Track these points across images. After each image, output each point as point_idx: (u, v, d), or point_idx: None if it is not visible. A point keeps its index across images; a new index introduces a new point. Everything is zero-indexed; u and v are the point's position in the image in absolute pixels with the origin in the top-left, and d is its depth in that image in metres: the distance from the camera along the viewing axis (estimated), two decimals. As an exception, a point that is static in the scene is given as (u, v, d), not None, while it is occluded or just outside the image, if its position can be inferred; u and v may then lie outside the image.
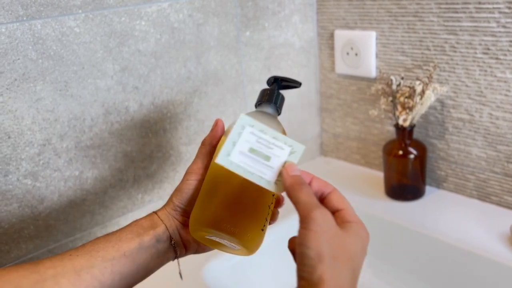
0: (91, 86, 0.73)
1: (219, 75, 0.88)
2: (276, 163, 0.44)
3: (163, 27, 0.79)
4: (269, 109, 0.58)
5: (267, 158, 0.44)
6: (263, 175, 0.44)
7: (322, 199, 0.45)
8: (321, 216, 0.40)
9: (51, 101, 0.69)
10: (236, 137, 0.44)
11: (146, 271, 0.53)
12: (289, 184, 0.43)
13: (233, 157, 0.44)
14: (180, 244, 0.55)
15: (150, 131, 0.81)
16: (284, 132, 0.56)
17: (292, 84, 0.62)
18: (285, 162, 0.44)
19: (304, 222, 0.40)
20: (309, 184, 0.44)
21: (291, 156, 0.44)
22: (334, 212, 0.43)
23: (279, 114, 0.60)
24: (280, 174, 0.44)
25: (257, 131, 0.45)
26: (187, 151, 0.87)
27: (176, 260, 0.56)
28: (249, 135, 0.45)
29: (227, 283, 0.76)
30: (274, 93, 0.59)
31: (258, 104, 0.59)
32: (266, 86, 0.63)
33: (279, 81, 0.61)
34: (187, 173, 0.56)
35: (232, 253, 0.54)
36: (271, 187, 0.44)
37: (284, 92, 0.62)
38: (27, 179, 0.69)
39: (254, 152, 0.44)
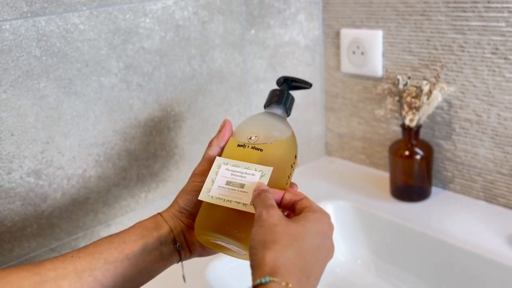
0: (95, 84, 0.72)
1: (223, 73, 0.88)
2: (250, 188, 0.49)
3: (167, 25, 0.78)
4: (278, 111, 0.57)
5: (242, 185, 0.50)
6: (239, 200, 0.49)
7: (294, 206, 0.48)
8: (266, 213, 0.44)
9: (54, 98, 0.68)
10: (214, 175, 0.52)
11: (149, 274, 0.52)
12: (253, 197, 0.47)
13: (213, 192, 0.50)
14: (185, 247, 0.54)
15: (154, 129, 0.81)
16: (294, 135, 0.55)
17: (302, 85, 0.60)
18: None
19: (255, 221, 0.44)
20: (282, 197, 0.49)
21: (262, 178, 0.50)
22: (302, 211, 0.47)
23: (288, 115, 0.59)
24: None
25: (230, 166, 0.51)
26: (191, 150, 0.87)
27: (179, 262, 0.55)
28: (225, 171, 0.51)
29: (231, 283, 0.76)
30: (283, 94, 0.58)
31: (267, 105, 0.58)
32: (274, 85, 0.62)
33: (289, 82, 0.60)
34: (193, 175, 0.55)
35: (237, 258, 0.53)
36: (247, 208, 0.48)
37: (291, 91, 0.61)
38: (30, 177, 0.68)
39: (230, 183, 0.50)
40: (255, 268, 0.41)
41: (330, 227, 0.46)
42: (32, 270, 0.46)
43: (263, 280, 0.39)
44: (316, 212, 0.46)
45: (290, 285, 0.38)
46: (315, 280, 0.43)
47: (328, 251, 0.45)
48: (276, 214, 0.44)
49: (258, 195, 0.47)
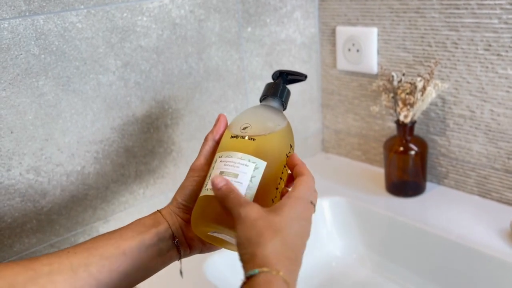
0: (93, 82, 0.73)
1: (220, 71, 0.89)
2: (244, 178, 0.50)
3: (164, 23, 0.79)
4: (274, 103, 0.58)
5: (236, 175, 0.50)
6: None
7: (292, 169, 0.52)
8: (244, 210, 0.45)
9: (53, 96, 0.69)
10: (211, 171, 0.52)
11: (147, 271, 0.52)
12: (218, 196, 0.47)
13: (209, 185, 0.50)
14: (184, 243, 0.55)
15: (152, 126, 0.81)
16: (289, 126, 0.56)
17: (297, 77, 0.61)
18: (252, 177, 0.50)
19: (236, 221, 0.46)
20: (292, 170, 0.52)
21: (256, 171, 0.50)
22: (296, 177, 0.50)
23: (284, 108, 0.59)
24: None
25: (224, 158, 0.52)
26: (188, 147, 0.88)
27: (180, 260, 0.55)
28: (219, 164, 0.52)
29: (229, 277, 0.77)
30: (279, 87, 0.58)
31: (263, 98, 0.59)
32: (271, 81, 0.62)
33: (284, 75, 0.60)
34: (190, 170, 0.56)
35: (236, 251, 0.54)
36: None
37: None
38: (29, 174, 0.69)
39: (224, 173, 0.50)
40: (246, 263, 0.43)
41: (306, 209, 0.47)
42: (27, 265, 0.46)
43: (251, 272, 0.40)
44: (290, 198, 0.47)
45: (281, 273, 0.40)
46: (299, 261, 0.45)
47: (307, 232, 0.47)
48: (254, 209, 0.45)
49: (226, 197, 0.47)
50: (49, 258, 0.48)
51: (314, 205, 0.50)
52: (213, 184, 0.47)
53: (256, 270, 0.40)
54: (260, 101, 0.59)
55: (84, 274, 0.47)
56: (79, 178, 0.75)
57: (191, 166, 0.56)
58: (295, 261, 0.44)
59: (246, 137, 0.52)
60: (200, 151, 0.56)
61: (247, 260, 0.43)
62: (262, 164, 0.50)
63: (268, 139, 0.52)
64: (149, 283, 0.55)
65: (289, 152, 0.54)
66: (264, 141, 0.52)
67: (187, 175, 0.56)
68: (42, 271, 0.46)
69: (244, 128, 0.53)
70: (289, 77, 0.61)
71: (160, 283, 0.69)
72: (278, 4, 0.95)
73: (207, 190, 0.51)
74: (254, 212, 0.45)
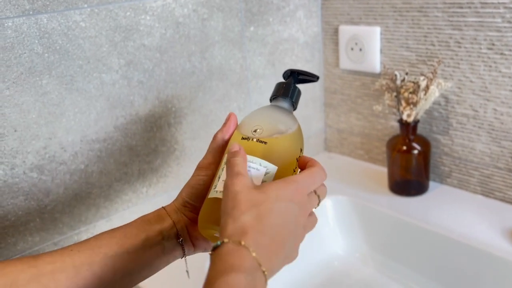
0: (97, 80, 0.73)
1: (223, 70, 0.89)
2: (254, 183, 0.48)
3: (168, 22, 0.79)
4: (284, 104, 0.56)
5: None
6: None
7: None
8: (230, 182, 0.45)
9: (57, 95, 0.69)
10: (220, 172, 0.51)
11: (150, 269, 0.52)
12: (227, 159, 0.48)
13: (218, 187, 0.50)
14: (188, 242, 0.54)
15: (155, 125, 0.82)
16: (300, 129, 0.55)
17: (309, 78, 0.59)
18: (262, 182, 0.49)
19: (223, 191, 0.46)
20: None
21: (267, 176, 0.49)
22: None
23: (295, 109, 0.58)
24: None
25: None
26: (192, 146, 0.88)
27: (183, 258, 0.55)
28: None
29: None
30: (290, 87, 0.57)
31: (273, 98, 0.57)
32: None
33: (295, 75, 0.59)
34: (197, 168, 0.55)
35: None
36: None
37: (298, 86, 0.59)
38: (33, 172, 0.70)
39: None
40: (220, 235, 0.43)
41: (299, 193, 0.46)
42: (29, 262, 0.46)
43: (215, 244, 0.40)
44: (283, 179, 0.46)
45: (243, 243, 0.40)
46: (280, 244, 0.43)
47: (294, 215, 0.45)
48: (240, 182, 0.44)
49: (228, 161, 0.47)
50: (52, 256, 0.47)
51: (319, 199, 0.49)
52: (230, 147, 0.48)
53: (219, 242, 0.40)
54: (270, 100, 0.58)
55: (87, 273, 0.47)
56: (82, 176, 0.75)
57: (198, 164, 0.55)
58: (273, 241, 0.42)
59: (258, 140, 0.51)
60: (208, 149, 0.55)
61: (220, 232, 0.42)
62: (273, 169, 0.49)
63: (280, 143, 0.51)
64: (152, 281, 0.55)
65: (299, 156, 0.53)
66: (275, 145, 0.51)
67: (194, 173, 0.55)
68: (44, 269, 0.46)
69: (255, 130, 0.51)
70: (300, 77, 0.59)
71: (163, 281, 0.69)
72: (281, 3, 0.95)
73: (216, 192, 0.50)
74: (239, 185, 0.44)
